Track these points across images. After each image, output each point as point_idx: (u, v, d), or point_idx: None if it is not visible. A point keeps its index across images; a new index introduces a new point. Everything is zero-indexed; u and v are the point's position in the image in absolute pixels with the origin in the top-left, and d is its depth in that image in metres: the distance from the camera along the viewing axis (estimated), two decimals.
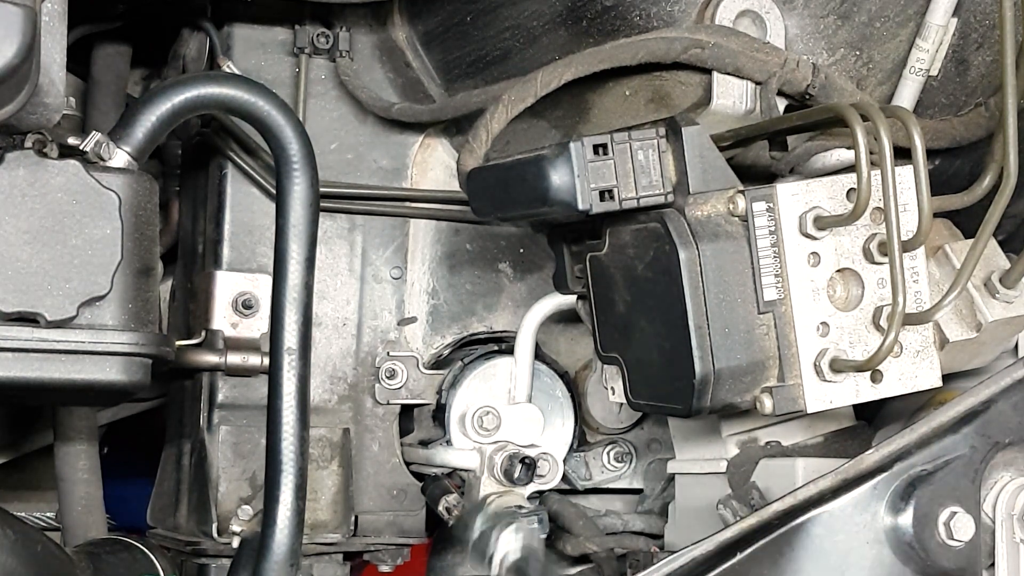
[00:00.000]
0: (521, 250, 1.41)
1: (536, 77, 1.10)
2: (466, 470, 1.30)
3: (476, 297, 1.40)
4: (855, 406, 1.11)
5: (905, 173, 0.99)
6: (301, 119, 1.30)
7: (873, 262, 1.01)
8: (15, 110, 0.94)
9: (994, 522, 1.05)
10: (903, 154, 0.97)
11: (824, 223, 0.99)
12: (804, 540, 0.99)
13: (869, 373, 1.00)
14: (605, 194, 1.00)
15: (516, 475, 1.27)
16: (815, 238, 0.99)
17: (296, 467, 1.12)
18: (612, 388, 1.15)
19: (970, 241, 1.07)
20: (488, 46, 1.25)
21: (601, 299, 1.10)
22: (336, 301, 1.35)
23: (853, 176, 0.99)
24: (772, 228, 0.99)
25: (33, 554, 1.07)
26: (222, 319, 1.30)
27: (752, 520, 0.98)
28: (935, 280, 1.10)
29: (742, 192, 0.99)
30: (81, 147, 1.05)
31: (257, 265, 1.31)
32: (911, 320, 1.00)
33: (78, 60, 1.30)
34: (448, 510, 1.28)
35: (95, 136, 1.06)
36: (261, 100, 1.15)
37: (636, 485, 1.45)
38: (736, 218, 1.00)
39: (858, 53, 1.12)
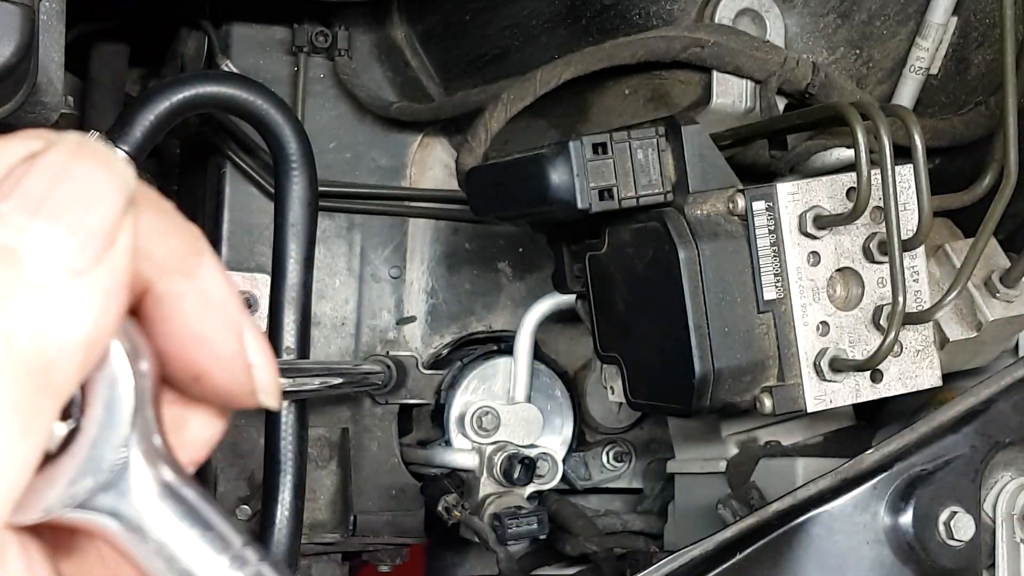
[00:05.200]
0: (520, 249, 1.41)
1: (535, 76, 1.10)
2: (465, 470, 1.30)
3: (475, 296, 1.40)
4: (855, 406, 1.11)
5: (905, 172, 0.99)
6: (300, 118, 1.29)
7: (873, 261, 1.01)
8: (13, 109, 0.93)
9: (994, 522, 1.05)
10: (903, 153, 0.96)
11: (824, 222, 0.99)
12: (804, 540, 0.98)
13: (869, 373, 1.00)
14: (604, 193, 0.99)
15: (515, 475, 1.27)
16: (815, 237, 0.99)
17: (295, 467, 1.11)
18: (611, 388, 1.14)
19: (970, 240, 1.07)
20: (487, 45, 1.24)
21: (600, 299, 1.10)
22: (335, 300, 1.35)
23: (853, 175, 0.98)
24: (772, 227, 0.99)
25: None
26: None
27: (752, 520, 0.98)
28: (935, 279, 1.10)
29: (742, 191, 0.99)
30: None
31: (256, 264, 1.31)
32: (911, 319, 1.00)
33: (76, 59, 1.30)
34: (447, 510, 1.27)
35: (93, 135, 1.06)
36: (260, 99, 1.15)
37: (635, 485, 1.45)
38: (736, 217, 0.99)
39: (858, 52, 1.11)
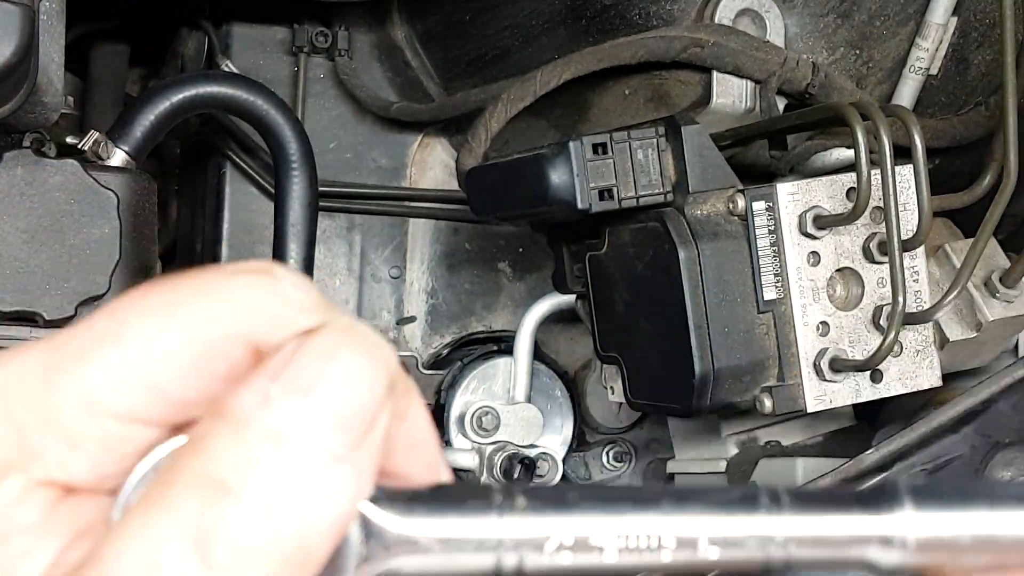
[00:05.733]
0: (520, 249, 1.41)
1: (535, 76, 1.10)
2: (465, 470, 1.30)
3: (475, 296, 1.40)
4: (855, 406, 1.11)
5: (905, 172, 0.99)
6: (300, 118, 1.29)
7: (873, 261, 1.01)
8: (13, 109, 0.93)
9: None
10: (903, 153, 0.96)
11: (824, 222, 0.99)
12: None
13: (869, 373, 1.00)
14: (604, 193, 0.99)
15: (515, 475, 1.27)
16: (815, 237, 0.99)
17: None
18: (611, 388, 1.14)
19: (970, 240, 1.07)
20: (487, 45, 1.24)
21: (600, 299, 1.10)
22: (335, 301, 1.35)
23: (853, 175, 0.99)
24: (772, 227, 0.99)
25: None
26: None
27: None
28: (935, 279, 1.10)
29: (742, 191, 0.99)
30: (79, 146, 1.05)
31: None
32: (911, 319, 1.00)
33: (76, 59, 1.30)
34: None
35: (93, 135, 1.06)
36: (260, 99, 1.15)
37: (636, 485, 1.45)
38: (736, 217, 1.00)
39: (858, 52, 1.11)
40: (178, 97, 1.11)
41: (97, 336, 0.35)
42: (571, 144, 0.99)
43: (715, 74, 1.07)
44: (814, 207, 0.99)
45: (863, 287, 1.01)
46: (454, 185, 1.29)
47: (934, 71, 1.14)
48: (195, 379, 0.35)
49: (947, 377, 1.06)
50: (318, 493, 0.33)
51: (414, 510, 0.36)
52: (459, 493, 0.37)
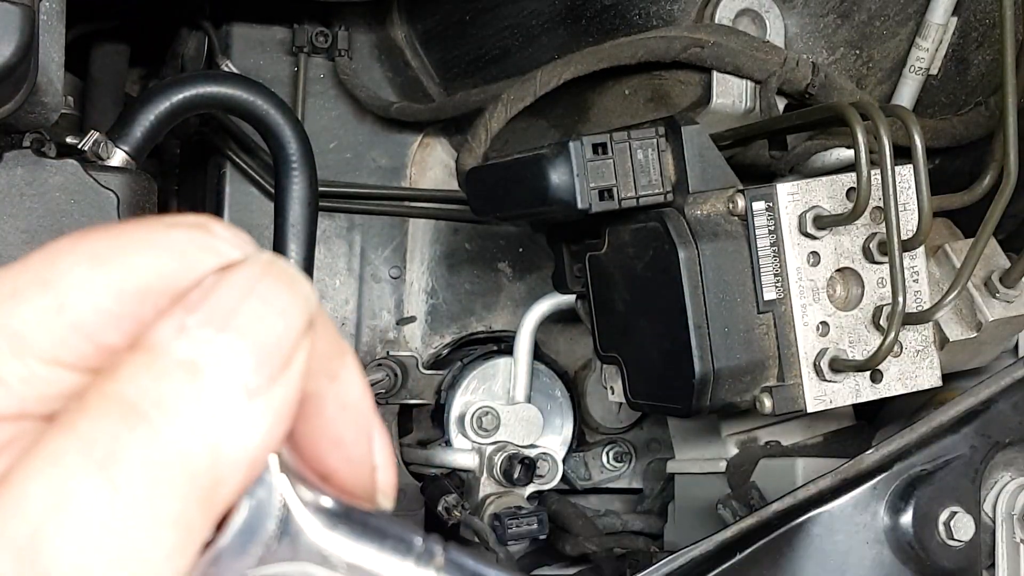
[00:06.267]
0: (520, 249, 1.41)
1: (535, 76, 1.10)
2: (465, 470, 1.30)
3: (475, 297, 1.40)
4: (855, 406, 1.11)
5: (905, 172, 0.99)
6: (300, 118, 1.30)
7: (873, 261, 1.01)
8: (13, 109, 0.93)
9: (994, 522, 1.05)
10: (903, 153, 0.96)
11: (824, 222, 0.99)
12: (803, 540, 0.98)
13: (869, 373, 1.00)
14: (604, 193, 0.99)
15: (515, 475, 1.27)
16: (815, 237, 0.99)
17: None
18: (611, 388, 1.14)
19: (970, 240, 1.07)
20: (487, 45, 1.24)
21: (600, 299, 1.10)
22: (335, 301, 1.35)
23: (853, 175, 0.98)
24: (772, 227, 0.99)
25: None
26: None
27: (751, 520, 0.98)
28: (935, 280, 1.10)
29: (741, 191, 0.99)
30: (79, 146, 1.05)
31: None
32: (911, 320, 1.00)
33: (76, 59, 1.30)
34: (447, 510, 1.27)
35: (93, 135, 1.06)
36: (260, 99, 1.15)
37: (635, 485, 1.45)
38: (735, 217, 0.99)
39: (858, 52, 1.11)
40: (178, 97, 1.11)
41: (30, 276, 0.35)
42: (571, 144, 0.99)
43: (715, 74, 1.07)
44: (814, 207, 0.99)
45: (863, 287, 1.01)
46: (454, 185, 1.29)
47: (934, 71, 1.14)
48: (123, 326, 0.35)
49: (947, 377, 1.06)
50: (230, 424, 0.33)
51: (338, 526, 0.36)
52: (385, 528, 0.37)
